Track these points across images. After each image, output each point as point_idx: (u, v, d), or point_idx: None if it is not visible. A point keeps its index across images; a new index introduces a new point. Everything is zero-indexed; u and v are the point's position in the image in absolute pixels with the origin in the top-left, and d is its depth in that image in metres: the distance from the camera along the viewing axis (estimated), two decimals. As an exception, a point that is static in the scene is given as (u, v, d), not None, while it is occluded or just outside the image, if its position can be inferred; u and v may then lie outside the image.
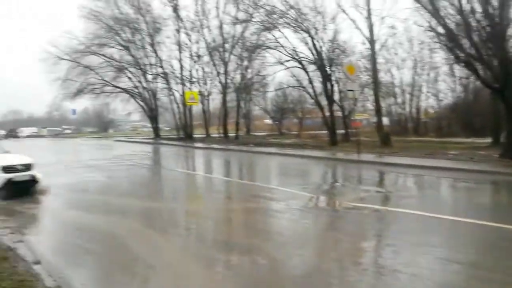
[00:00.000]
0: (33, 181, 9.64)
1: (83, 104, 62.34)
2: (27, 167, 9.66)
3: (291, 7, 24.00)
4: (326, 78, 24.77)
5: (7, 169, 9.24)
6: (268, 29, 25.55)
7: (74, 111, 57.72)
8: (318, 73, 25.29)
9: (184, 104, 34.25)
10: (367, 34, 22.80)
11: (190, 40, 34.18)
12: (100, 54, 35.83)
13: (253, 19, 26.74)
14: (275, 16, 24.59)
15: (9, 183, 9.10)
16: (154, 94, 37.51)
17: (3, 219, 7.10)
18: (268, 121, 49.41)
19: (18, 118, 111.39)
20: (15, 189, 9.21)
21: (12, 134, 60.55)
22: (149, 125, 44.52)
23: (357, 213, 7.29)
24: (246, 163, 17.68)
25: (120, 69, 36.82)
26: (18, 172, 9.34)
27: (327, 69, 24.68)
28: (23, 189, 9.44)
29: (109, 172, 14.05)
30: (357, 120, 23.45)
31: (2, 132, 74.47)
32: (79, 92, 36.16)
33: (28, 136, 57.39)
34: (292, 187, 9.92)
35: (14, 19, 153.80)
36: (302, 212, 7.46)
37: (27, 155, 10.63)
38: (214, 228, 6.87)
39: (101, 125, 78.20)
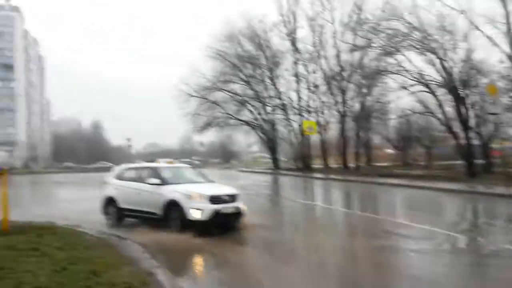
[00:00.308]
0: (238, 213, 8.81)
1: (210, 136, 67.96)
2: (233, 198, 8.86)
3: (415, 28, 22.57)
4: (459, 101, 22.26)
5: (214, 199, 8.47)
6: (389, 53, 24.42)
7: (202, 143, 63.20)
8: (448, 97, 22.93)
9: (302, 134, 34.50)
10: (508, 50, 19.99)
11: (307, 71, 34.81)
12: (225, 90, 38.77)
13: (373, 44, 25.91)
14: (397, 39, 23.42)
15: (216, 215, 8.32)
16: (273, 125, 38.76)
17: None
18: (390, 150, 46.48)
19: (155, 150, 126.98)
20: (219, 222, 8.57)
21: (151, 164, 69.00)
22: (268, 155, 45.83)
23: (510, 257, 6.04)
24: (369, 195, 16.65)
25: (242, 103, 39.17)
26: (224, 203, 8.59)
27: (460, 91, 22.23)
28: (226, 222, 8.79)
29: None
30: (499, 149, 20.34)
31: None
32: (206, 126, 39.42)
33: (163, 166, 64.50)
34: (425, 223, 8.82)
35: (147, 57, 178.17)
36: (439, 253, 6.52)
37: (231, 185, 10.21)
38: (341, 264, 6.41)
39: (225, 156, 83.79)
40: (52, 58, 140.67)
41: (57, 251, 6.06)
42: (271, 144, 39.93)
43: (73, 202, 16.14)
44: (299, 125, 35.52)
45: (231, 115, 39.48)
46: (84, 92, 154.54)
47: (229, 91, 38.87)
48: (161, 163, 10.75)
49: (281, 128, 39.49)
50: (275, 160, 40.93)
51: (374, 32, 25.18)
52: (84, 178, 33.75)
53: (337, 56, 32.64)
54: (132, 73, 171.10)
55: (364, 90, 31.57)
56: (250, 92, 38.91)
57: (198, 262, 7.13)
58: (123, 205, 9.64)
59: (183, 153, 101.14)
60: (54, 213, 12.60)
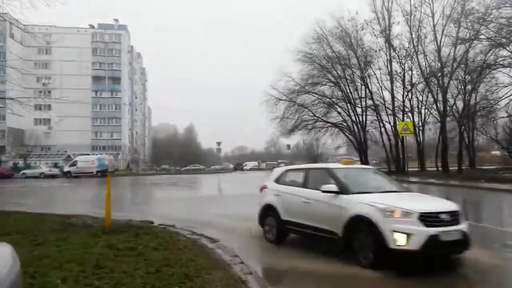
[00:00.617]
0: (464, 242, 5.61)
1: (296, 139, 67.51)
2: (455, 217, 5.71)
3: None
4: None
5: (428, 219, 5.45)
6: (500, 45, 21.62)
7: (288, 146, 63.14)
8: None
9: (396, 135, 32.34)
10: None
11: (403, 69, 32.56)
12: (313, 93, 38.12)
13: (480, 36, 23.17)
14: (510, 28, 20.58)
15: (433, 243, 5.29)
16: (363, 127, 36.98)
17: None
18: (496, 152, 41.40)
19: (243, 153, 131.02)
20: (435, 255, 5.68)
21: (238, 167, 70.99)
22: (356, 158, 43.94)
23: None
24: (478, 202, 14.64)
25: (331, 105, 38.10)
26: (444, 225, 5.49)
27: None
28: (445, 254, 5.93)
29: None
30: None
31: (231, 166, 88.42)
32: (294, 129, 39.12)
33: (250, 169, 65.86)
34: None
35: (239, 63, 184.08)
36: None
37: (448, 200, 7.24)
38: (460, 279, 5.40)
39: (311, 159, 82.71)
40: (153, 69, 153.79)
41: (152, 251, 6.17)
42: (360, 146, 38.12)
43: (167, 201, 16.94)
44: (393, 126, 33.41)
45: (319, 117, 38.67)
46: (180, 99, 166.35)
47: (317, 93, 38.14)
48: (334, 164, 8.33)
49: (372, 130, 37.58)
50: (365, 163, 38.95)
51: (482, 22, 22.59)
52: (178, 180, 35.76)
53: (437, 51, 30.08)
54: (223, 79, 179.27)
55: (469, 87, 28.49)
56: (339, 93, 37.83)
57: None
58: (286, 217, 7.39)
59: (269, 156, 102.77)
60: (150, 211, 13.26)
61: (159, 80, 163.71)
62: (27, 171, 47.23)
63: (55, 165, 55.93)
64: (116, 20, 78.03)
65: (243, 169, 67.44)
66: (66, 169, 47.13)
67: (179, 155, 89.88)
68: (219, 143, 52.15)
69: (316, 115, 38.55)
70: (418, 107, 33.25)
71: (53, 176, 44.63)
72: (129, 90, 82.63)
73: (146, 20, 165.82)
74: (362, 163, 39.39)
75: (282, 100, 38.26)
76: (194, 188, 27.66)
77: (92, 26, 76.39)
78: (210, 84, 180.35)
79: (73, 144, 67.57)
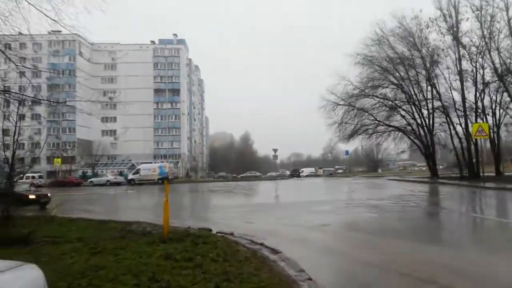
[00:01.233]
0: None
1: (354, 145, 65.27)
2: None
3: None
4: None
5: None
6: None
7: (347, 152, 61.06)
8: None
9: (468, 138, 29.70)
10: None
11: (474, 67, 29.86)
12: (373, 96, 36.38)
13: None
14: None
15: None
16: (430, 130, 34.49)
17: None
18: None
19: (299, 159, 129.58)
20: None
21: (295, 173, 69.87)
22: (419, 164, 41.30)
23: None
24: None
25: (393, 108, 36.10)
26: None
27: None
28: None
29: (392, 213, 12.77)
30: None
31: (287, 172, 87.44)
32: (353, 134, 37.53)
33: (307, 176, 64.50)
34: None
35: (293, 70, 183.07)
36: None
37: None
38: None
39: (370, 165, 79.50)
40: (210, 79, 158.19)
41: (210, 263, 5.75)
42: (427, 150, 35.56)
43: (225, 208, 16.62)
44: (464, 128, 30.82)
45: (380, 121, 36.76)
46: (236, 108, 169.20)
47: (378, 96, 36.34)
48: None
49: (440, 133, 34.96)
50: (432, 168, 36.32)
51: None
52: (235, 187, 35.70)
53: (515, 45, 27.17)
54: (277, 86, 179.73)
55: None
56: (402, 96, 35.72)
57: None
58: None
59: (326, 162, 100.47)
60: (208, 218, 12.98)
61: (216, 91, 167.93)
62: (94, 179, 50.03)
63: (120, 173, 58.80)
64: (175, 35, 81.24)
65: (299, 176, 66.26)
66: (130, 177, 49.26)
67: (235, 163, 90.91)
68: (275, 150, 51.76)
69: (377, 119, 36.71)
70: (491, 107, 30.34)
71: (118, 184, 46.82)
72: (188, 101, 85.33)
73: (204, 32, 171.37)
74: (430, 168, 36.78)
75: (340, 104, 36.96)
76: (251, 195, 27.31)
77: (153, 42, 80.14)
78: (265, 91, 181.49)
79: (136, 153, 70.88)
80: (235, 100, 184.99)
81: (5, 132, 8.46)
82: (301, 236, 8.73)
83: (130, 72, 75.75)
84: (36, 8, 6.49)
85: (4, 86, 7.58)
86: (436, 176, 34.94)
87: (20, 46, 10.47)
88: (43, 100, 9.55)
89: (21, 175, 9.64)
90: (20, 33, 10.03)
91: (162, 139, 77.08)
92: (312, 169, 73.57)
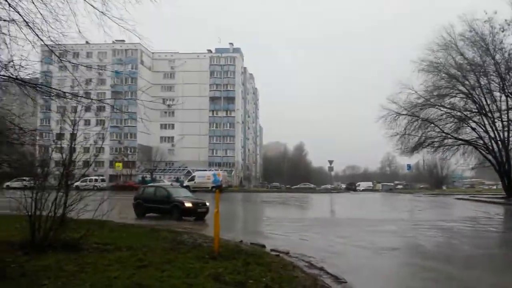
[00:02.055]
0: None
1: (415, 159, 61.18)
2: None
3: None
4: None
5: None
6: None
7: (409, 167, 57.59)
8: None
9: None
10: None
11: None
12: (440, 106, 33.68)
13: None
14: None
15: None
16: (505, 144, 31.18)
17: None
18: None
19: (354, 172, 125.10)
20: None
21: (351, 187, 67.14)
22: (487, 182, 37.46)
23: None
24: None
25: (462, 119, 33.12)
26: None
27: None
28: None
29: (469, 238, 11.19)
30: None
31: (342, 186, 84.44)
32: (417, 147, 34.87)
33: (363, 190, 61.65)
34: None
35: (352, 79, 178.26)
36: None
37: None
38: None
39: (433, 181, 74.19)
40: (264, 88, 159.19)
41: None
42: (502, 167, 32.12)
43: (279, 221, 15.74)
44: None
45: (448, 133, 33.87)
46: (289, 117, 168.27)
47: (445, 106, 33.52)
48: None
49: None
50: (507, 187, 32.71)
51: None
52: (288, 198, 34.69)
53: None
54: (332, 96, 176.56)
55: None
56: (472, 106, 32.65)
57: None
58: None
59: (384, 177, 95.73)
60: (261, 232, 12.25)
61: (269, 100, 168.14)
62: (151, 185, 51.43)
63: (177, 179, 60.10)
64: (231, 43, 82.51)
65: (355, 190, 63.55)
66: (185, 183, 50.07)
67: (288, 173, 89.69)
68: (331, 162, 50.09)
69: (444, 131, 33.82)
70: None
71: (173, 190, 47.56)
72: (242, 109, 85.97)
73: (257, 41, 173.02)
74: (504, 187, 33.17)
75: (403, 114, 34.54)
76: (305, 208, 26.21)
77: (210, 51, 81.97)
78: (319, 101, 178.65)
79: (192, 160, 72.33)
80: (288, 110, 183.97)
81: (73, 136, 8.51)
82: (367, 262, 7.67)
83: (187, 80, 77.97)
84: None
85: (72, 92, 7.56)
86: (512, 195, 31.43)
87: (87, 55, 10.78)
88: (114, 108, 9.48)
89: (82, 177, 9.59)
90: (87, 42, 10.23)
91: (217, 146, 78.09)
92: (369, 183, 70.19)
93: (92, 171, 63.02)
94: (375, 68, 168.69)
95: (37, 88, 7.21)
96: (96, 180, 45.83)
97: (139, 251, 7.46)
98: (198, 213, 14.87)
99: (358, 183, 69.57)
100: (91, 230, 7.98)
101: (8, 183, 17.85)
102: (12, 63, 6.38)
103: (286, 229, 13.06)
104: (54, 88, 7.52)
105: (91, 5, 6.34)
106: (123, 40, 69.34)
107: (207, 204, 15.36)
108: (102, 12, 6.36)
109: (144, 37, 7.19)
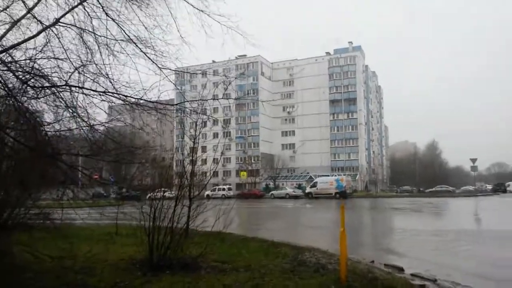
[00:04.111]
0: None
1: None
2: None
3: None
4: None
5: None
6: None
7: None
8: None
9: None
10: None
11: None
12: None
13: None
14: None
15: None
16: None
17: None
18: None
19: (502, 171, 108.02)
20: None
21: (499, 188, 57.58)
22: None
23: None
24: None
25: None
26: None
27: None
28: None
29: None
30: None
31: (488, 187, 73.14)
32: None
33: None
34: None
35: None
36: None
37: None
38: None
39: None
40: (389, 86, 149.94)
41: None
42: None
43: (414, 234, 13.58)
44: None
45: None
46: (418, 114, 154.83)
47: None
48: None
49: None
50: None
51: None
52: (423, 204, 30.92)
53: None
54: (464, 90, 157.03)
55: None
56: None
57: None
58: None
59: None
60: (394, 248, 10.55)
61: (396, 97, 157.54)
62: (274, 192, 52.17)
63: (299, 186, 59.96)
64: (350, 42, 79.67)
65: (505, 191, 54.23)
66: (307, 190, 49.42)
67: (420, 175, 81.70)
68: (473, 160, 43.77)
69: None
70: None
71: (296, 197, 47.46)
72: (365, 109, 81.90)
73: (384, 40, 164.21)
74: None
75: None
76: (447, 216, 22.78)
77: (328, 53, 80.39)
78: (451, 95, 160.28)
79: (313, 165, 71.54)
80: (417, 107, 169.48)
81: (204, 149, 8.74)
82: None
83: (306, 86, 77.85)
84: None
85: (202, 109, 7.79)
86: None
87: (214, 73, 11.72)
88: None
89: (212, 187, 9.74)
90: (213, 61, 10.50)
91: (339, 150, 75.74)
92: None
93: (221, 180, 67.43)
94: None
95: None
96: (223, 189, 48.46)
97: (257, 272, 6.78)
98: None
99: (508, 183, 59.24)
100: (211, 245, 7.66)
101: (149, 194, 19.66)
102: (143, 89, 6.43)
103: (427, 244, 11.08)
104: (187, 108, 7.77)
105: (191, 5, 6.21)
106: (245, 55, 74.01)
107: None
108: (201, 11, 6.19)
109: (261, 46, 7.10)
